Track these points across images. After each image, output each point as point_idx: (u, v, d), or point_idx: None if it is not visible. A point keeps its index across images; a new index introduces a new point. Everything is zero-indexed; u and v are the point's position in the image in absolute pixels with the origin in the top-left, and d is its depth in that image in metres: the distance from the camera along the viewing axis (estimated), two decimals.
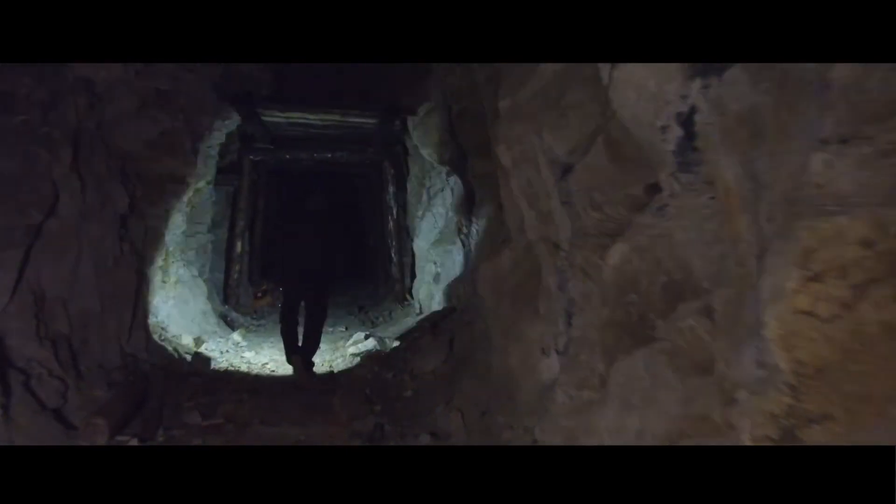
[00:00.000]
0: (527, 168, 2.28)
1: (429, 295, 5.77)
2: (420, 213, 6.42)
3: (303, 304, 4.64)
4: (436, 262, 5.70)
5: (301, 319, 4.71)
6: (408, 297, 7.36)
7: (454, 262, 5.27)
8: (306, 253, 4.40)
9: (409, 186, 7.21)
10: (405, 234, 7.80)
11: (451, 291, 5.08)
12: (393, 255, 7.38)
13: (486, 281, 3.07)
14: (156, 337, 4.42)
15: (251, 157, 7.17)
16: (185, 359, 4.26)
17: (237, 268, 7.11)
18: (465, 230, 5.23)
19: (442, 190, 5.88)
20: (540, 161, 2.21)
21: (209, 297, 6.33)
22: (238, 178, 7.18)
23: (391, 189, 7.34)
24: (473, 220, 5.12)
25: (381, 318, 7.13)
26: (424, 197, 6.45)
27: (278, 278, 4.90)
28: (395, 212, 7.36)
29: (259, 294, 5.61)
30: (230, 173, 7.36)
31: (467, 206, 5.24)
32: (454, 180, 5.43)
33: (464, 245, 5.20)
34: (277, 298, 5.51)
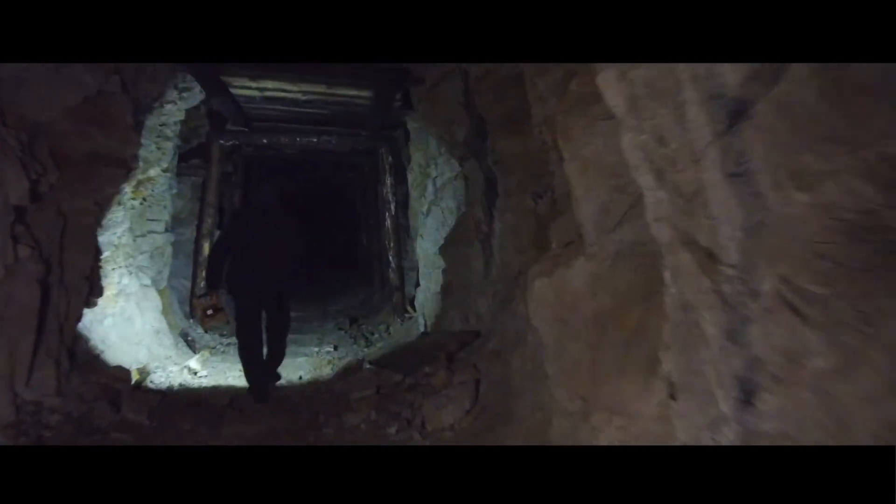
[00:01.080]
0: (655, 110, 1.28)
1: (438, 309, 4.76)
2: (424, 208, 5.42)
3: (264, 314, 3.92)
4: (445, 268, 4.69)
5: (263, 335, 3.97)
6: (409, 308, 6.36)
7: (470, 270, 4.27)
8: (261, 254, 3.69)
9: (410, 177, 6.20)
10: (405, 234, 6.80)
11: (469, 307, 4.08)
12: (391, 258, 6.37)
13: (542, 303, 2.07)
14: (79, 371, 3.40)
15: (221, 141, 6.14)
16: (116, 402, 3.23)
17: (202, 272, 6.07)
18: (484, 229, 4.24)
19: (454, 179, 4.89)
20: (688, 97, 1.22)
21: (166, 311, 5.31)
22: (206, 166, 6.16)
23: (389, 180, 6.33)
24: (496, 215, 4.13)
25: (376, 335, 6.13)
26: (430, 189, 5.45)
27: (227, 287, 3.97)
28: (393, 207, 6.36)
29: (209, 311, 4.58)
30: (198, 160, 6.35)
31: (488, 198, 4.24)
32: (470, 166, 4.43)
33: (483, 248, 4.20)
34: (230, 313, 4.50)
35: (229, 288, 3.99)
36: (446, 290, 4.55)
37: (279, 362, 4.09)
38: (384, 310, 7.45)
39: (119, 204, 4.16)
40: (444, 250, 4.72)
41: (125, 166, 3.95)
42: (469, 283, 4.23)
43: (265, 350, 3.95)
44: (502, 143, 3.84)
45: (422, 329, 5.28)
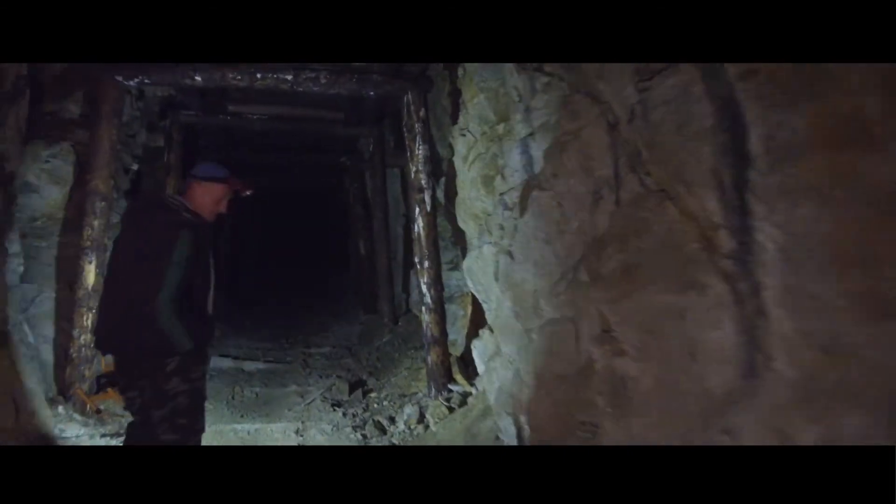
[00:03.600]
0: None
1: (571, 420, 2.19)
2: (507, 196, 2.87)
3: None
4: (613, 333, 2.12)
5: None
6: (458, 377, 3.82)
7: (693, 350, 1.73)
8: (123, 287, 2.04)
9: (459, 144, 3.68)
10: (439, 246, 4.25)
11: None
12: (426, 287, 3.82)
13: None
14: None
15: (118, 77, 3.55)
16: None
17: (87, 319, 3.49)
18: (727, 242, 1.71)
19: (581, 133, 2.36)
20: None
21: None
22: (93, 125, 3.57)
23: (421, 150, 3.77)
24: (760, 209, 1.62)
25: (401, 424, 3.56)
26: (515, 159, 2.92)
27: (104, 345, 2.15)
28: (428, 198, 3.79)
29: (99, 384, 2.19)
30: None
31: (733, 166, 1.72)
32: (665, 92, 1.90)
33: (733, 295, 1.67)
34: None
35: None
36: (616, 393, 1.98)
37: None
38: (403, 364, 4.91)
39: None
40: (592, 292, 2.17)
41: None
42: (698, 389, 1.68)
43: None
44: None
45: (506, 435, 2.74)
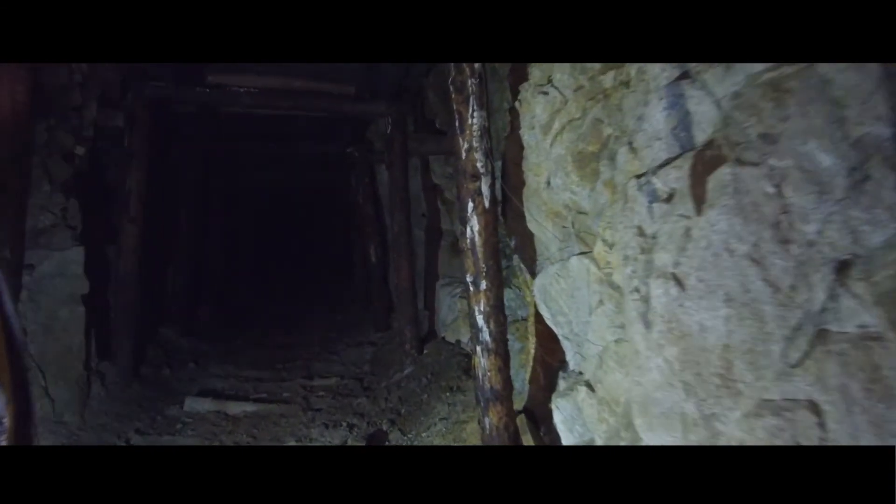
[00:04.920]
0: None
1: None
2: (653, 181, 1.74)
3: None
4: None
5: None
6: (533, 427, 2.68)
7: None
8: None
9: (535, 108, 2.54)
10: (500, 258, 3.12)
11: None
12: (481, 320, 2.67)
13: None
14: None
15: None
16: None
17: None
18: None
19: None
20: None
21: None
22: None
23: (475, 117, 2.63)
24: None
25: None
26: (657, 120, 1.80)
27: None
28: (487, 188, 2.64)
29: None
30: None
31: None
32: None
33: None
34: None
35: None
36: None
37: None
38: (436, 412, 3.79)
39: None
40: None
41: None
42: None
43: None
44: None
45: None
